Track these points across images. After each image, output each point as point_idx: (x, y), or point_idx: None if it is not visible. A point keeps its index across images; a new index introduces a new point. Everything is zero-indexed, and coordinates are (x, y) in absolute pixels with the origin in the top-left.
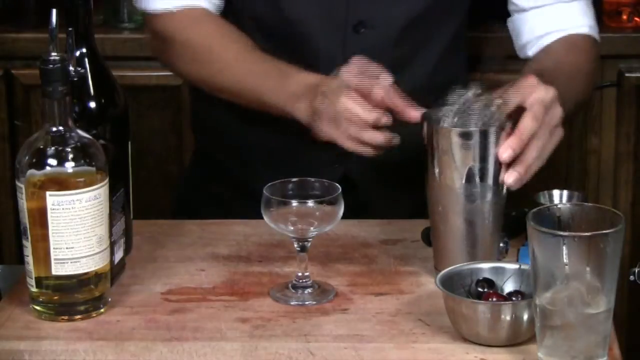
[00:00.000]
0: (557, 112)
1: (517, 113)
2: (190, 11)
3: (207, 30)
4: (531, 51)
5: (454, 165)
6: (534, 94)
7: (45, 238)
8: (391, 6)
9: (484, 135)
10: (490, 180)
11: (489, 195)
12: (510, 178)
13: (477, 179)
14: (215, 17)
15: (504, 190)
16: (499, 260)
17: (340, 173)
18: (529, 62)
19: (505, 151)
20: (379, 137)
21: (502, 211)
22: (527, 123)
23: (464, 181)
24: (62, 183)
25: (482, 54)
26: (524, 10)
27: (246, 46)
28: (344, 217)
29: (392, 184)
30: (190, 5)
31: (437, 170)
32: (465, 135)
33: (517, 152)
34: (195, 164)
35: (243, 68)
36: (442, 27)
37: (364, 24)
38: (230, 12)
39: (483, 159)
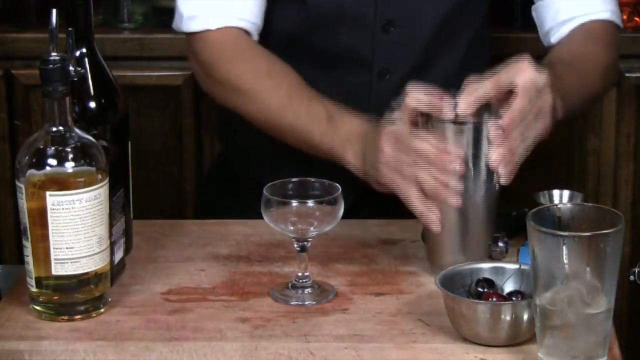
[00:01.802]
0: (547, 99)
1: (507, 95)
2: (230, 35)
3: (252, 68)
4: (554, 38)
5: None
6: (526, 76)
7: (45, 238)
8: (420, 5)
9: (477, 129)
10: (483, 174)
11: (482, 189)
12: (494, 155)
13: (471, 173)
14: (259, 48)
15: (497, 185)
16: (496, 260)
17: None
18: (547, 55)
19: (495, 130)
20: (456, 185)
21: (495, 206)
22: (519, 102)
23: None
24: (62, 183)
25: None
26: None
27: (292, 86)
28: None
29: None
30: (229, 26)
31: None
32: (459, 129)
33: (508, 130)
34: (219, 167)
35: (291, 111)
36: (468, 25)
37: (392, 23)
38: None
39: (476, 152)
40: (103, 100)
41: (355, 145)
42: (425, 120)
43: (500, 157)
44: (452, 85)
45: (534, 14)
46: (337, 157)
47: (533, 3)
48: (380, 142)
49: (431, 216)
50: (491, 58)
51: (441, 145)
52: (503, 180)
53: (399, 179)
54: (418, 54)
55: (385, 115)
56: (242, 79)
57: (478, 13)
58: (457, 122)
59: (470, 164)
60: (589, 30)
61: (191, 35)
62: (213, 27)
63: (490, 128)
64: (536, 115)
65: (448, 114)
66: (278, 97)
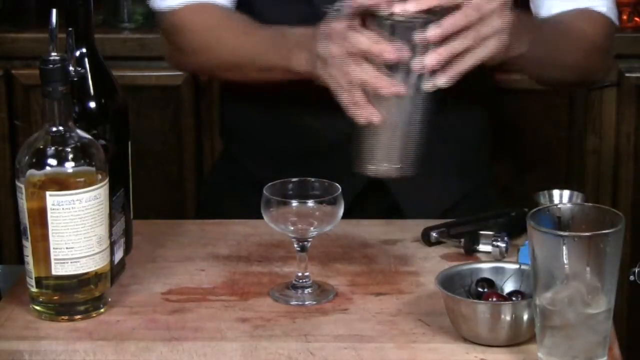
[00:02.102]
0: (504, 18)
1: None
2: (199, 9)
3: (210, 16)
4: None
5: None
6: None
7: (45, 238)
8: None
9: (416, 27)
10: (419, 75)
11: (416, 91)
12: (431, 60)
13: (408, 72)
14: (222, 11)
15: (430, 87)
16: (496, 260)
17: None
18: None
19: (435, 30)
20: (385, 84)
21: (429, 111)
22: (464, 10)
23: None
24: (62, 183)
25: None
26: None
27: (245, 24)
28: (376, 219)
29: (423, 183)
30: (201, 1)
31: None
32: (400, 26)
33: (443, 34)
34: (221, 167)
35: (248, 44)
36: None
37: None
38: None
39: (415, 51)
40: (103, 100)
41: (306, 51)
42: (370, 20)
43: (435, 56)
44: (453, 86)
45: (531, 5)
46: (296, 71)
47: None
48: (318, 41)
49: (363, 113)
50: None
51: (377, 40)
52: (441, 82)
53: (334, 76)
54: None
55: (327, 17)
56: (204, 26)
57: None
58: (399, 20)
59: (408, 63)
60: (583, 13)
61: (162, 13)
62: (182, 3)
63: (431, 28)
64: (489, 30)
65: (388, 8)
66: (234, 36)
